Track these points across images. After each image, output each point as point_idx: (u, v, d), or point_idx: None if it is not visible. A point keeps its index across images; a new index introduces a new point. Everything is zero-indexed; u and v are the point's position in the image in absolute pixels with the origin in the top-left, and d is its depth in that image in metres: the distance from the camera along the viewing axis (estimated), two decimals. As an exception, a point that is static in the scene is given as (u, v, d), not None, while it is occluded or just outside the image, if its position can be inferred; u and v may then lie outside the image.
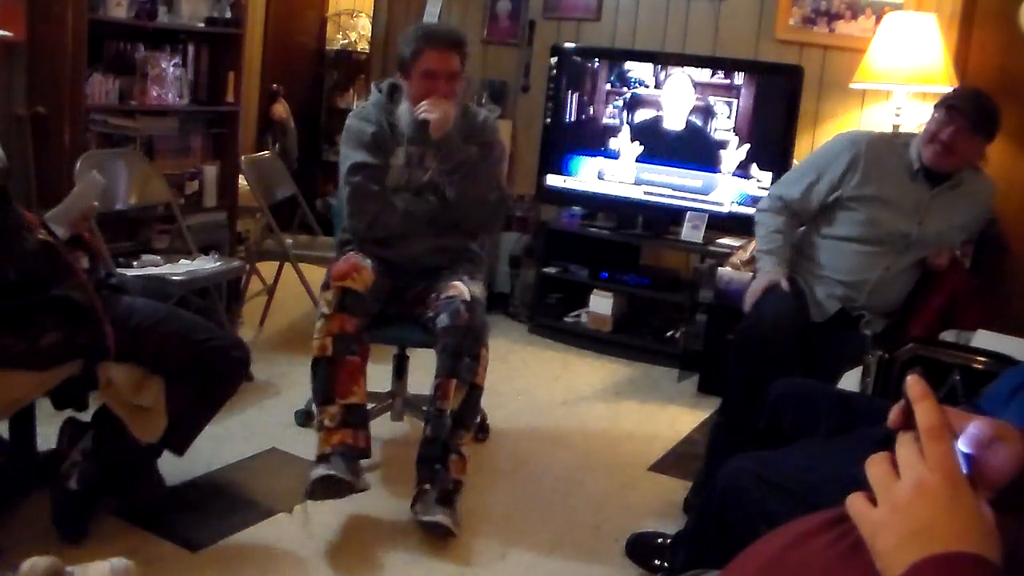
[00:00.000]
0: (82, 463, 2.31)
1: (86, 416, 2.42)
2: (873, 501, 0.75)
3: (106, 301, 2.26)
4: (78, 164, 3.18)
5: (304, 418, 3.06)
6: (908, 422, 0.76)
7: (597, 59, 4.30)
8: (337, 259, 2.76)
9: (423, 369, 2.97)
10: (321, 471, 2.37)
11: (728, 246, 3.98)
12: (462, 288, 2.61)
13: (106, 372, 2.21)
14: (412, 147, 2.74)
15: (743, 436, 2.28)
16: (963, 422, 0.82)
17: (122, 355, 2.21)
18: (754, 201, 3.91)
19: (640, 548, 2.43)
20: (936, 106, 2.66)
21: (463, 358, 2.52)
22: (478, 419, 3.04)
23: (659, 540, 2.41)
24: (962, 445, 0.77)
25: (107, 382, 2.22)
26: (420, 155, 2.75)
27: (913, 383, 0.76)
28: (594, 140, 4.26)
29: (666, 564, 2.32)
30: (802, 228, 2.89)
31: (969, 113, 2.54)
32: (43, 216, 2.29)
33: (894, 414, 0.78)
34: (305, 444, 2.97)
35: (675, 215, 4.14)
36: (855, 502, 0.76)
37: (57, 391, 2.28)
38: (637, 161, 4.18)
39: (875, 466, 0.76)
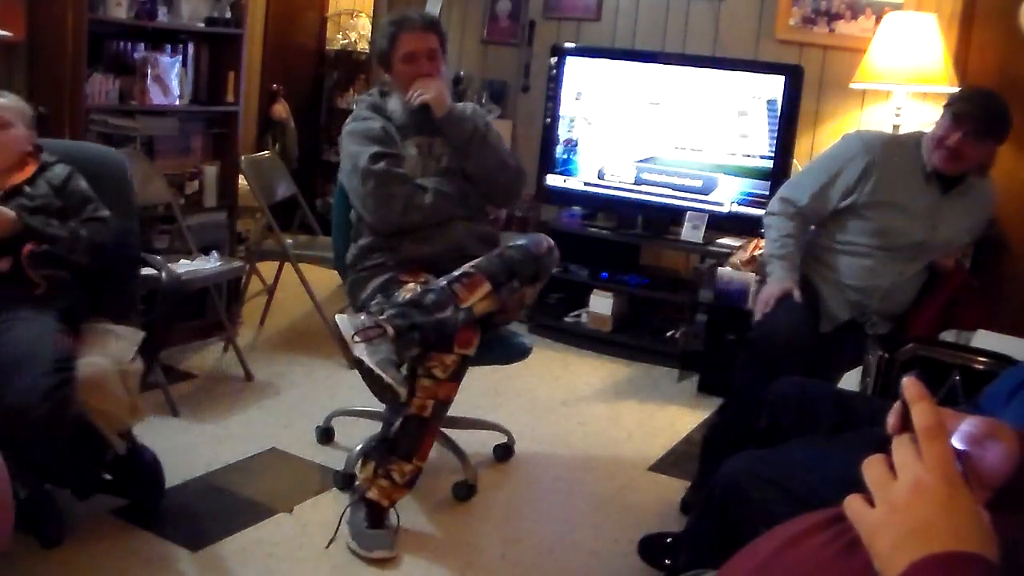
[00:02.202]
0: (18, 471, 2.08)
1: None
2: (871, 502, 0.75)
3: None
4: (78, 164, 3.18)
5: (324, 435, 3.01)
6: (906, 425, 0.76)
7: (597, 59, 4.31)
8: (371, 267, 2.67)
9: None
10: (377, 553, 2.33)
11: (728, 246, 3.98)
12: (547, 237, 2.63)
13: None
14: (420, 137, 2.70)
15: (740, 440, 2.26)
16: (958, 421, 0.82)
17: None
18: (754, 201, 3.93)
19: (651, 548, 2.44)
20: (945, 107, 2.60)
21: (513, 279, 2.48)
22: (505, 441, 3.04)
23: (668, 540, 2.42)
24: (956, 442, 0.77)
25: None
26: (429, 144, 2.71)
27: (910, 384, 0.76)
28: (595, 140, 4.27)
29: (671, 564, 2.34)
30: (812, 228, 2.85)
31: (977, 118, 2.49)
32: None
33: (892, 419, 0.78)
34: (305, 444, 2.98)
35: (675, 215, 4.14)
36: (853, 503, 0.76)
37: None
38: (637, 161, 4.19)
39: (872, 467, 0.76)
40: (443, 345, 2.37)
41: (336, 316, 2.42)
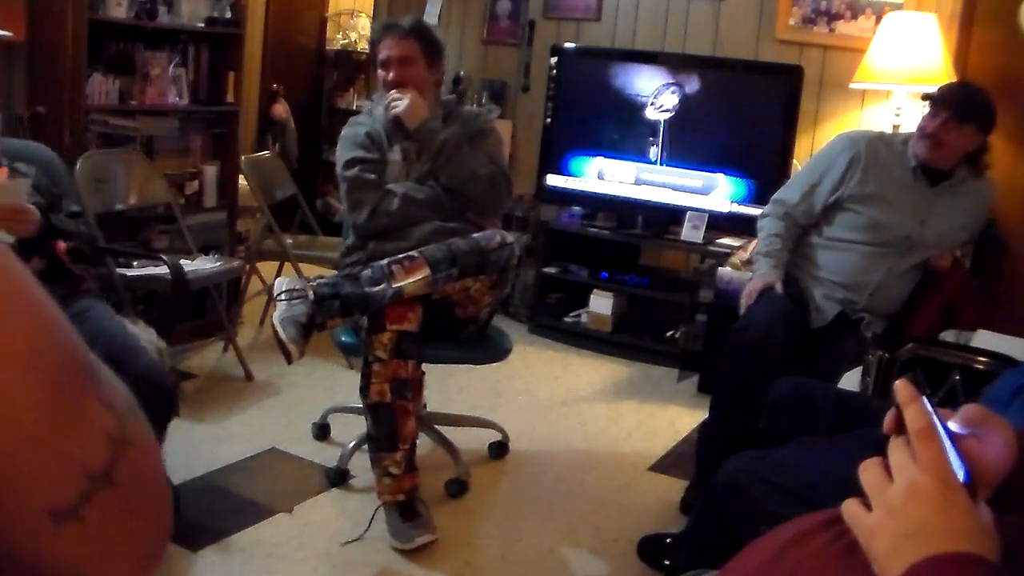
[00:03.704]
0: None
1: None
2: (868, 506, 0.75)
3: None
4: (78, 164, 3.18)
5: (320, 431, 3.04)
6: (902, 427, 0.76)
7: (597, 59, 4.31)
8: (349, 265, 2.68)
9: (438, 386, 2.96)
10: (418, 540, 2.38)
11: (728, 246, 3.98)
12: (505, 233, 2.61)
13: None
14: (406, 141, 2.72)
15: (730, 436, 2.30)
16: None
17: None
18: (754, 201, 3.92)
19: (650, 549, 2.45)
20: (924, 100, 2.69)
21: (454, 266, 2.47)
22: (500, 438, 3.04)
23: (667, 540, 2.42)
24: (953, 425, 0.77)
25: None
26: (417, 149, 2.72)
27: (901, 387, 0.77)
28: (595, 140, 4.26)
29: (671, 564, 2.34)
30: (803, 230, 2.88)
31: (954, 103, 2.56)
32: None
33: (888, 421, 0.79)
34: (305, 444, 2.98)
35: (675, 215, 4.14)
36: (850, 507, 0.76)
37: None
38: (638, 162, 4.19)
39: (868, 471, 0.76)
40: (377, 325, 2.43)
41: (278, 277, 2.50)
